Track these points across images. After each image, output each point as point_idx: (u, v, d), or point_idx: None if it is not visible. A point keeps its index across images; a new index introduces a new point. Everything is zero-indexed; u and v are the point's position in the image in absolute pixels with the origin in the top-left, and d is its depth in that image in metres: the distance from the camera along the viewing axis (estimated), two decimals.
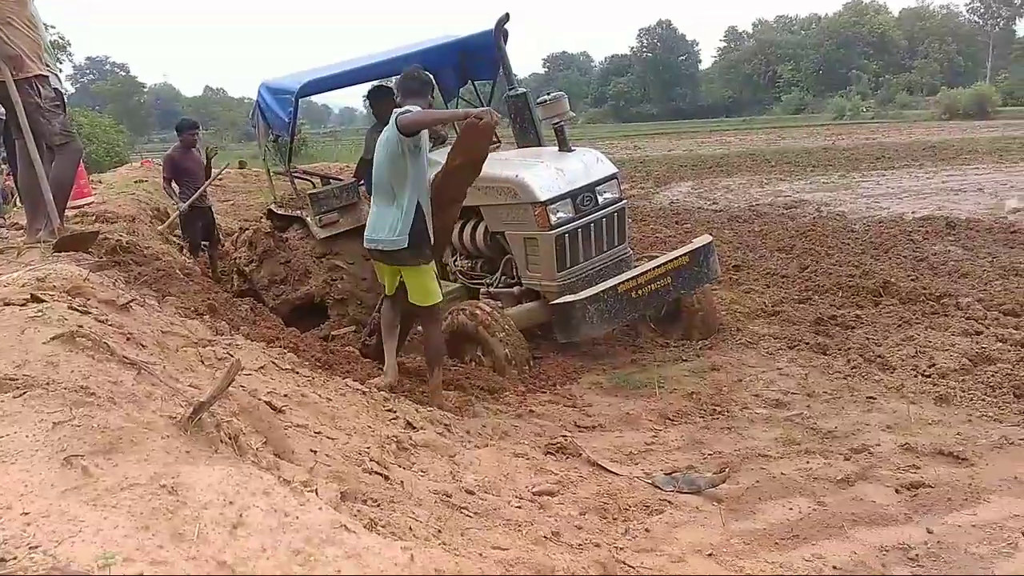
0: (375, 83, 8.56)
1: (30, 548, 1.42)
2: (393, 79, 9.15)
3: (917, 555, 2.90)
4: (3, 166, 9.13)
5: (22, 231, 5.60)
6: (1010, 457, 3.72)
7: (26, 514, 1.51)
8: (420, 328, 5.27)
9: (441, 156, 6.39)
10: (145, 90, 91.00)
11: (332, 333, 6.42)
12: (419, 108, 4.59)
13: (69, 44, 41.24)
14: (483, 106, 7.59)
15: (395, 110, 4.60)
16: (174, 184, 8.72)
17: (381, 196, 4.69)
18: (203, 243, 8.76)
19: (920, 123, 41.73)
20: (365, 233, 4.84)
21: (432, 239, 4.71)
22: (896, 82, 65.52)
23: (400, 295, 4.94)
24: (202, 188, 8.54)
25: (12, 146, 5.68)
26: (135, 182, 13.44)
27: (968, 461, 3.69)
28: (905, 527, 3.13)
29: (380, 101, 7.13)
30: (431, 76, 4.93)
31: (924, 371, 4.98)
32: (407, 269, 4.73)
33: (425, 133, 4.63)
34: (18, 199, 7.85)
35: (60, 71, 6.08)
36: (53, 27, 32.97)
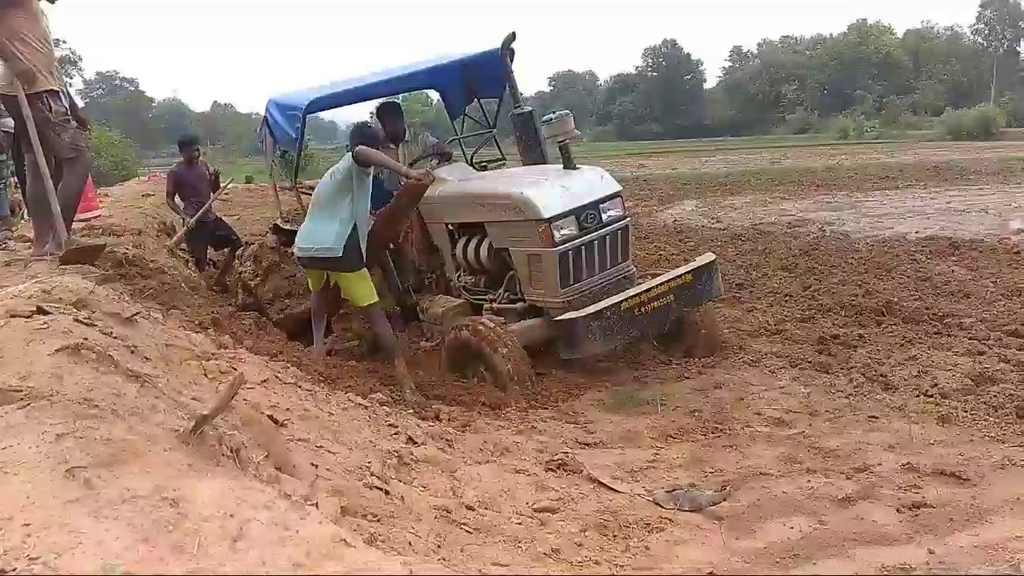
0: (383, 100, 8.63)
1: (30, 560, 1.43)
2: (400, 96, 9.21)
3: None
4: (12, 179, 9.19)
5: (29, 244, 5.65)
6: (1012, 478, 3.70)
7: (27, 525, 1.52)
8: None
9: (448, 173, 6.48)
10: (154, 105, 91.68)
11: (335, 348, 6.44)
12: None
13: (80, 59, 41.59)
14: (488, 124, 7.68)
15: (354, 149, 5.36)
16: (178, 199, 8.79)
17: (321, 210, 5.45)
18: (224, 249, 8.84)
19: (924, 143, 41.80)
20: (296, 242, 5.62)
21: (364, 253, 5.45)
22: (900, 103, 65.75)
23: (328, 290, 5.83)
24: (207, 204, 8.60)
25: (22, 159, 5.73)
26: (142, 196, 13.52)
27: (970, 481, 3.68)
28: (906, 547, 3.11)
29: (388, 118, 7.21)
30: (382, 131, 5.87)
31: (927, 391, 4.96)
32: (340, 275, 5.48)
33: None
34: (26, 212, 7.90)
35: (70, 86, 6.16)
36: (64, 42, 33.27)
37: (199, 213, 8.45)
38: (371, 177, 5.48)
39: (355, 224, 5.32)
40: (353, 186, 5.31)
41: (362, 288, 5.47)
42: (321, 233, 5.37)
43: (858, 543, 3.16)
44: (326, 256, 5.36)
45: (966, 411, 4.59)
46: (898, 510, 3.44)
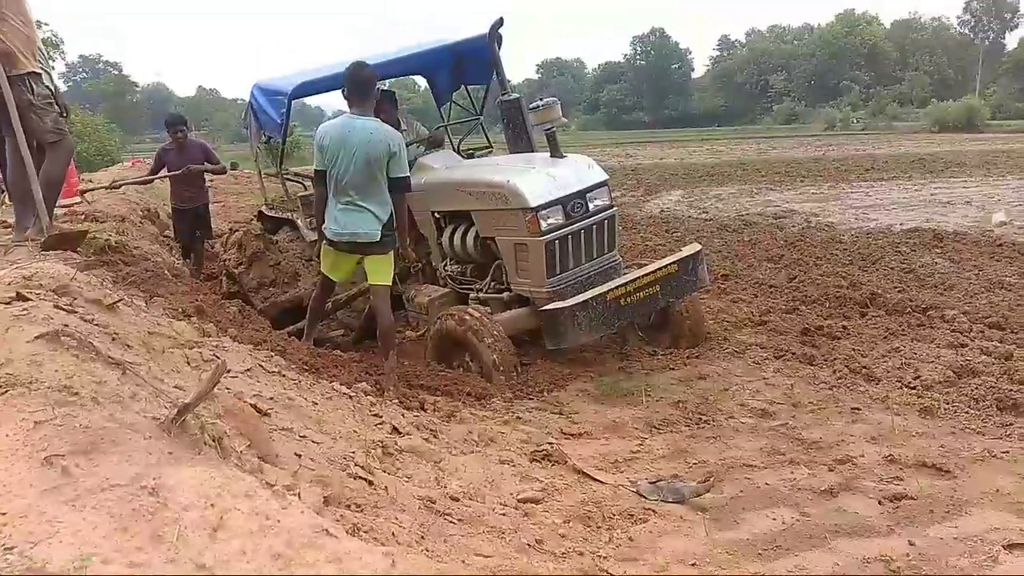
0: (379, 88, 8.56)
1: (5, 549, 1.41)
2: (387, 82, 9.17)
3: (898, 567, 2.90)
4: None
5: (10, 229, 5.57)
6: (992, 470, 3.74)
7: (3, 514, 1.51)
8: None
9: (435, 160, 6.46)
10: (138, 89, 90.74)
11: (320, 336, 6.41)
12: (368, 116, 5.13)
13: (62, 42, 40.97)
14: (475, 111, 7.64)
15: (371, 118, 5.12)
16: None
17: (355, 195, 5.05)
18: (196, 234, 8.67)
19: (910, 135, 42.07)
20: (335, 228, 5.15)
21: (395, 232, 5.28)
22: (887, 94, 66.03)
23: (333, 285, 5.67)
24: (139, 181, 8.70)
25: (2, 143, 5.65)
26: None
27: (951, 473, 3.71)
28: (887, 539, 3.13)
29: (384, 106, 7.16)
30: (375, 73, 5.29)
31: (909, 383, 5.00)
32: (376, 257, 5.23)
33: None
34: (7, 197, 7.80)
35: (52, 69, 6.06)
36: (46, 24, 32.78)
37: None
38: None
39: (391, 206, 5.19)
40: (384, 171, 5.07)
41: (387, 267, 5.33)
42: (363, 217, 5.09)
43: (840, 534, 3.18)
44: (367, 240, 5.13)
45: (948, 403, 4.62)
46: (880, 502, 3.46)
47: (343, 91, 5.20)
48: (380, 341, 5.36)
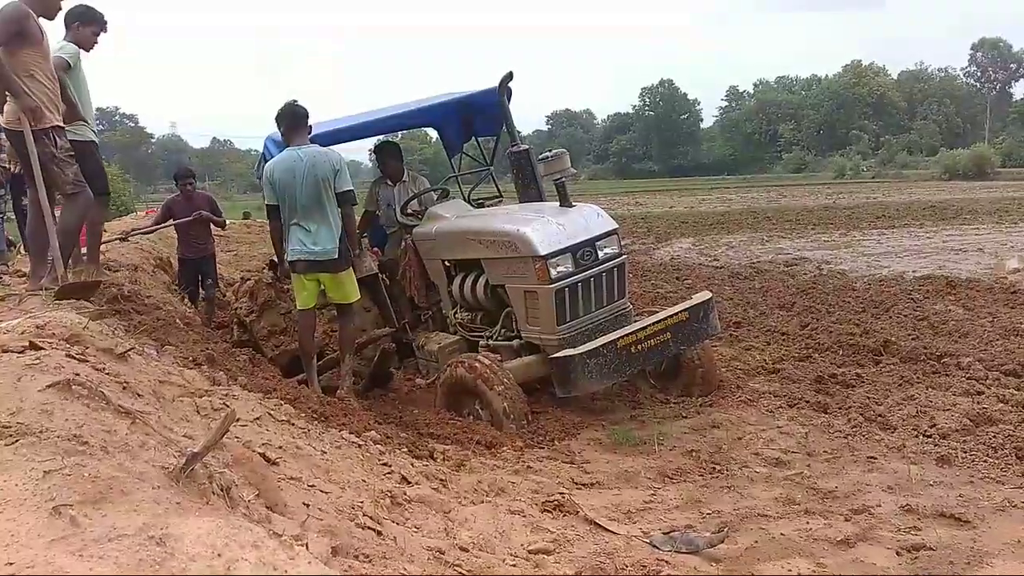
0: (382, 138, 8.72)
1: None
2: (399, 134, 9.38)
3: None
4: (11, 214, 9.22)
5: (25, 278, 5.63)
6: (1013, 520, 3.66)
7: (11, 564, 1.49)
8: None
9: (445, 210, 6.52)
10: (153, 141, 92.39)
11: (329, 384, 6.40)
12: (305, 145, 5.52)
13: None
14: (485, 162, 7.74)
15: (309, 145, 5.55)
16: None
17: (310, 216, 5.47)
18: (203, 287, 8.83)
19: (920, 183, 42.22)
20: (294, 247, 5.56)
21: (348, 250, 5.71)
22: (896, 142, 66.42)
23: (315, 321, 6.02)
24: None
25: (18, 194, 5.75)
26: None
27: (970, 524, 3.63)
28: None
29: (387, 156, 7.29)
30: (305, 109, 5.60)
31: (925, 431, 4.93)
32: (334, 276, 5.63)
33: None
34: (22, 246, 7.90)
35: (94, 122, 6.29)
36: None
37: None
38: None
39: (340, 223, 5.60)
40: (332, 189, 5.49)
41: (352, 284, 5.77)
42: (319, 237, 5.50)
43: None
44: (325, 258, 5.52)
45: (965, 452, 4.55)
46: (897, 552, 3.39)
47: (280, 129, 5.63)
48: (340, 344, 5.90)
